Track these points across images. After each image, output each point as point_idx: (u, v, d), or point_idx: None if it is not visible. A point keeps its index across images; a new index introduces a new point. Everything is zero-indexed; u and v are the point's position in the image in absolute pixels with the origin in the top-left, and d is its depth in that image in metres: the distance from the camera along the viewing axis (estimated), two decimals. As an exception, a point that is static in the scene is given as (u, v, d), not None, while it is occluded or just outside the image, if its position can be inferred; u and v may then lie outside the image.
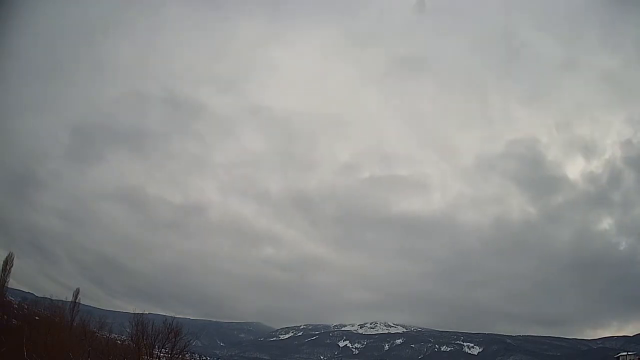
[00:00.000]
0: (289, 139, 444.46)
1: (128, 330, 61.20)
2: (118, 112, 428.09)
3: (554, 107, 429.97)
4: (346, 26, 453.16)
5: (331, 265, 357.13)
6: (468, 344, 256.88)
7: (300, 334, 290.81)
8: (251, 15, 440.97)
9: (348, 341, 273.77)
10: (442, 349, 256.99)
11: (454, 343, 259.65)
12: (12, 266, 70.03)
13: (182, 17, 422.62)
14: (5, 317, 59.13)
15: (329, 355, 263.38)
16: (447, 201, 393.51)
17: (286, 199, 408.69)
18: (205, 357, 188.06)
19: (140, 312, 59.74)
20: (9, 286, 71.87)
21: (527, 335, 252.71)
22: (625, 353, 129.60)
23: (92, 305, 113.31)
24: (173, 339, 56.38)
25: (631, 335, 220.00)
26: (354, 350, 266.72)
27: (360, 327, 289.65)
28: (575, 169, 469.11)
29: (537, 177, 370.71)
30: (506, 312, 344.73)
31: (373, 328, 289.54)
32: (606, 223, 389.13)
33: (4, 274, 68.70)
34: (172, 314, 68.07)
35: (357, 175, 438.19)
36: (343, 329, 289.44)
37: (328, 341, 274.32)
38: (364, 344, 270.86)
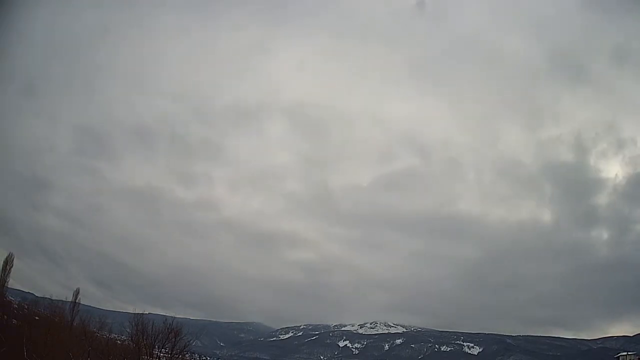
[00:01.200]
0: (310, 133, 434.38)
1: (128, 330, 61.22)
2: (126, 113, 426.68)
3: (603, 101, 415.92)
4: (369, 14, 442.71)
5: (346, 266, 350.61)
6: (468, 344, 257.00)
7: (300, 334, 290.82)
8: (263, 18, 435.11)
9: (348, 341, 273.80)
10: (442, 349, 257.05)
11: (454, 343, 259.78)
12: (12, 266, 70.12)
13: (190, 23, 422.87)
14: (5, 317, 58.95)
15: (329, 355, 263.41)
16: (479, 195, 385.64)
17: (302, 196, 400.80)
18: (205, 357, 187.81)
19: (140, 312, 59.95)
20: (9, 286, 71.91)
21: (527, 335, 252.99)
22: (625, 353, 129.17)
23: (92, 305, 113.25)
24: (173, 339, 56.38)
25: (631, 335, 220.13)
26: (354, 350, 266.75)
27: (360, 327, 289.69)
28: (614, 168, 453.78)
29: (576, 175, 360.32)
30: (520, 315, 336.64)
31: (373, 328, 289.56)
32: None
33: (4, 274, 68.69)
34: (172, 314, 68.07)
35: (386, 168, 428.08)
36: (343, 329, 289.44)
37: (328, 341, 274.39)
38: (364, 344, 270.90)
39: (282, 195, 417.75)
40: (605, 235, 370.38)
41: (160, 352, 57.96)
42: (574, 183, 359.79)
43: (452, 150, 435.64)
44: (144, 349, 54.22)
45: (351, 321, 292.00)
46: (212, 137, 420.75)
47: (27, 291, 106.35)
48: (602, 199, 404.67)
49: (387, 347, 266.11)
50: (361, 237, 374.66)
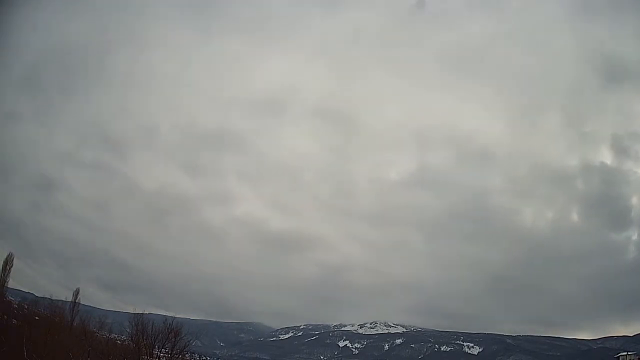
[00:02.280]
0: (334, 126, 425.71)
1: (128, 330, 61.26)
2: (132, 111, 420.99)
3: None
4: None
5: (362, 268, 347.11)
6: (468, 344, 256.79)
7: (300, 334, 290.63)
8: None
9: (348, 341, 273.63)
10: (442, 349, 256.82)
11: (454, 343, 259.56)
12: (12, 266, 70.17)
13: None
14: (5, 317, 58.99)
15: (329, 355, 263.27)
16: (511, 191, 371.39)
17: (320, 191, 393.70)
18: (205, 357, 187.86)
19: (140, 312, 59.96)
20: (9, 286, 71.96)
21: (527, 335, 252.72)
22: (625, 353, 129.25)
23: (92, 305, 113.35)
24: (173, 339, 56.42)
25: (631, 335, 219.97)
26: (353, 350, 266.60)
27: (360, 327, 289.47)
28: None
29: (612, 175, 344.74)
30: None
31: (373, 328, 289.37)
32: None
33: (4, 274, 68.73)
34: (172, 314, 68.05)
35: (415, 161, 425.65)
36: (343, 329, 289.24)
37: (328, 341, 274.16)
38: (363, 344, 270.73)
39: (298, 189, 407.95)
40: (634, 237, 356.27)
41: (160, 352, 57.98)
42: (609, 183, 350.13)
43: (486, 144, 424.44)
44: (144, 349, 54.25)
45: (351, 321, 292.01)
46: (224, 132, 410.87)
47: (27, 291, 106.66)
48: (637, 201, 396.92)
49: (387, 347, 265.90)
50: (381, 237, 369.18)
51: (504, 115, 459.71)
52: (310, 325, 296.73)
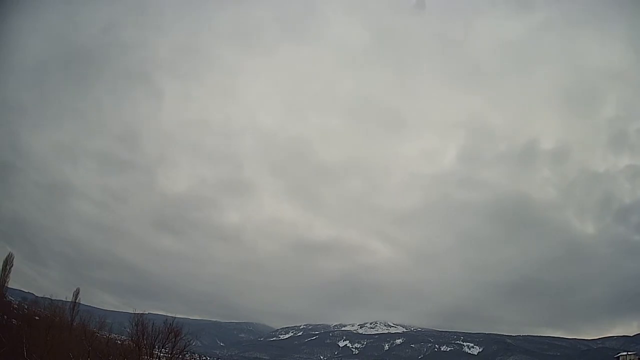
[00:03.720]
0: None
1: (128, 330, 61.22)
2: (138, 114, 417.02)
3: None
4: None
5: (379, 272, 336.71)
6: (468, 344, 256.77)
7: (300, 334, 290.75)
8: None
9: (348, 341, 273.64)
10: (442, 349, 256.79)
11: (454, 343, 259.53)
12: (12, 266, 70.32)
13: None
14: (5, 317, 59.06)
15: (329, 355, 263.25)
16: (553, 191, 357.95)
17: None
18: (205, 357, 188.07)
19: (141, 312, 59.91)
20: (9, 286, 72.08)
21: (527, 335, 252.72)
22: (625, 353, 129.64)
23: (92, 305, 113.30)
24: (173, 339, 56.32)
25: (631, 335, 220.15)
26: (353, 350, 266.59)
27: (360, 327, 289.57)
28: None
29: None
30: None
31: (373, 328, 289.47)
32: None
33: (4, 274, 68.84)
34: (173, 314, 68.06)
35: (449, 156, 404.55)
36: (343, 328, 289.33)
37: (328, 341, 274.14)
38: (363, 344, 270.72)
39: (319, 184, 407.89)
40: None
41: (161, 352, 57.92)
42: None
43: (529, 138, 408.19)
44: (144, 349, 54.19)
45: (351, 321, 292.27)
46: (239, 126, 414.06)
47: (27, 291, 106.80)
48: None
49: (387, 347, 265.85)
50: (407, 237, 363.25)
51: (552, 105, 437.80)
52: (310, 325, 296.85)
